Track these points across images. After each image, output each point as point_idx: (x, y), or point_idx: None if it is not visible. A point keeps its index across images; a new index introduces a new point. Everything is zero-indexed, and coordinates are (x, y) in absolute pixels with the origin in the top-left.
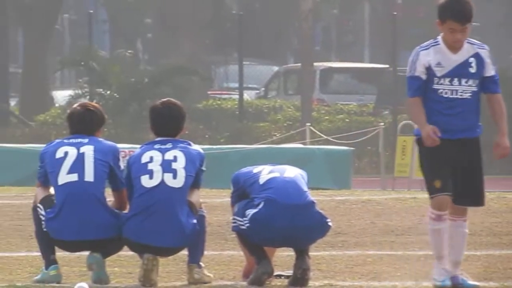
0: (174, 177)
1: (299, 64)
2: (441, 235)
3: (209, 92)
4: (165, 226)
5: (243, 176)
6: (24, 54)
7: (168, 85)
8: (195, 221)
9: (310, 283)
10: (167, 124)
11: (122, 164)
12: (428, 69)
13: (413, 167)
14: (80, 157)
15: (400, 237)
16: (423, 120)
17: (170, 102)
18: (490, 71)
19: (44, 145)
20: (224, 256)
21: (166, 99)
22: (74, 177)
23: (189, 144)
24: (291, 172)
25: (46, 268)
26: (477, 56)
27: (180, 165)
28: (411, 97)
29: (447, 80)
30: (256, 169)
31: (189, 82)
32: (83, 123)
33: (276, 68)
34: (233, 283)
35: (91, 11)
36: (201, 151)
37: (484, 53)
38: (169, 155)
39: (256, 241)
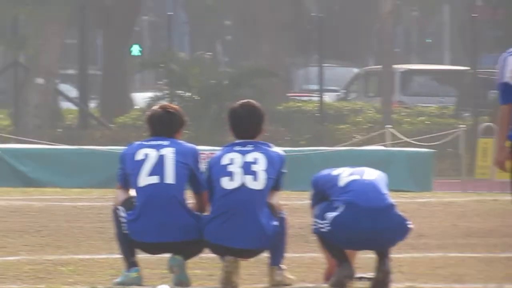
0: (255, 179)
1: (380, 66)
2: None
3: (289, 94)
4: (246, 228)
5: (323, 178)
6: (103, 56)
7: (248, 87)
8: (276, 223)
9: (392, 285)
10: (246, 126)
11: (203, 166)
12: None
13: (494, 169)
14: (161, 159)
15: (482, 239)
16: (501, 141)
17: (249, 103)
18: None
19: (124, 147)
20: (306, 258)
21: (245, 101)
22: (154, 179)
23: (270, 146)
24: (371, 174)
25: (127, 271)
26: None
27: (260, 167)
28: (501, 104)
29: None
30: (335, 172)
31: (269, 84)
32: (163, 125)
33: (356, 70)
34: (314, 286)
35: (171, 13)
36: (282, 153)
37: None
38: (249, 157)
39: (336, 243)
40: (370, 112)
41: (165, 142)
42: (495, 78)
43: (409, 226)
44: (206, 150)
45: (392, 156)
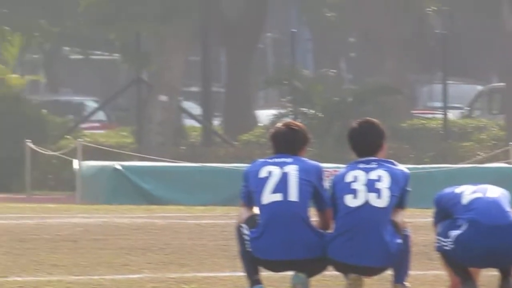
0: (379, 196)
1: (503, 84)
2: None
3: (413, 112)
4: (369, 246)
5: (446, 196)
6: (227, 74)
7: (372, 104)
8: (399, 240)
9: None
10: (365, 143)
11: (326, 184)
12: None
13: None
14: (284, 177)
15: None
16: None
17: (368, 121)
18: None
19: (248, 165)
20: (429, 276)
21: (364, 119)
22: (278, 196)
23: (394, 164)
24: (494, 192)
25: None
26: None
27: (384, 185)
28: None
29: None
30: (458, 189)
31: (393, 101)
32: (287, 142)
33: (479, 88)
34: None
35: (295, 30)
36: (406, 170)
37: None
38: (373, 175)
39: (460, 261)
40: (494, 129)
41: (289, 160)
42: None
43: None
44: (329, 168)
45: None
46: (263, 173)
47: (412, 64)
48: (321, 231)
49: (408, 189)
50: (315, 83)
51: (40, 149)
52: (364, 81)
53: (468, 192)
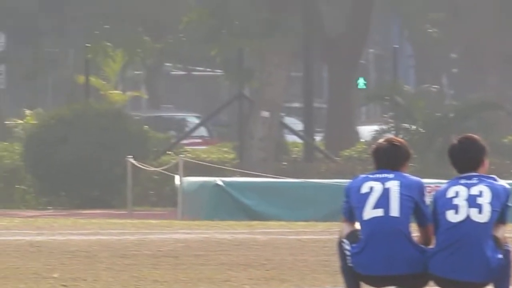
0: (480, 212)
1: None
2: None
3: None
4: (471, 261)
5: None
6: (329, 89)
7: (473, 119)
8: (500, 256)
9: None
10: (465, 160)
11: (428, 200)
12: None
13: None
14: (386, 192)
15: None
16: None
17: (467, 137)
18: None
19: (349, 180)
20: None
21: (463, 135)
22: (379, 212)
23: (495, 179)
24: None
25: None
26: None
27: (485, 200)
28: None
29: None
30: None
31: (495, 117)
32: (389, 158)
33: None
34: None
35: (397, 46)
36: (507, 186)
37: None
38: (474, 190)
39: None
40: None
41: (391, 175)
42: None
43: None
44: (431, 183)
45: None
46: (364, 188)
47: None
48: (422, 246)
49: (510, 204)
50: (417, 99)
51: (142, 165)
52: (466, 97)
53: None
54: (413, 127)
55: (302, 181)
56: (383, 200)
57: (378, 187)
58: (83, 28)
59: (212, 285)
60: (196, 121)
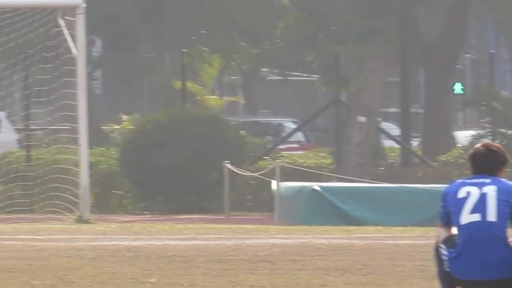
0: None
1: None
2: None
3: None
4: None
5: None
6: (425, 94)
7: None
8: None
9: None
10: (484, 164)
11: None
12: None
13: None
14: (483, 197)
15: None
16: None
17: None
18: None
19: (446, 185)
20: None
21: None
22: (476, 217)
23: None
24: None
25: None
26: None
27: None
28: None
29: None
30: None
31: None
32: (486, 163)
33: None
34: None
35: (493, 51)
36: None
37: None
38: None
39: None
40: None
41: (487, 180)
42: None
43: None
44: None
45: None
46: (461, 193)
47: None
48: None
49: None
50: None
51: (239, 170)
52: None
53: None
54: (510, 132)
55: (399, 186)
56: (480, 205)
57: (475, 192)
58: (180, 33)
59: None
60: (293, 126)
